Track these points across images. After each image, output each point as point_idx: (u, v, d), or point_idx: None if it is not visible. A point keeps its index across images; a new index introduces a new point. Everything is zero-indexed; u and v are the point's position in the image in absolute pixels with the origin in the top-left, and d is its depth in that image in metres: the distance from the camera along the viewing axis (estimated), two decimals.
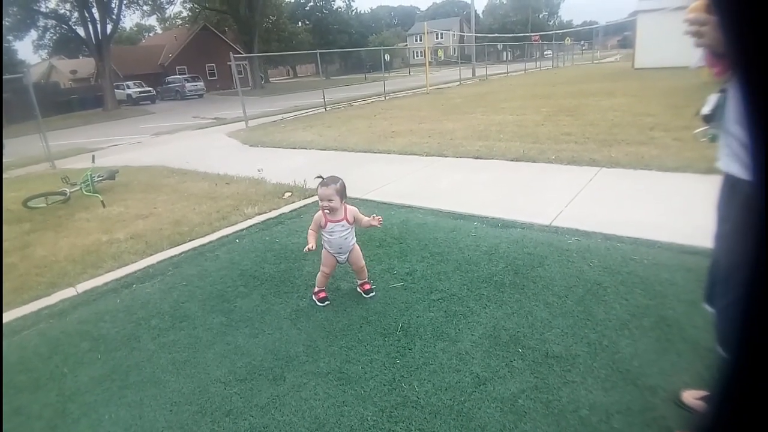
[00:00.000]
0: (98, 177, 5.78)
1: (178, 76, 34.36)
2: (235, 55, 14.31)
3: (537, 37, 40.31)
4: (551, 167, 5.13)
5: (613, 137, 6.16)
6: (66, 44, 37.42)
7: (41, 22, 31.89)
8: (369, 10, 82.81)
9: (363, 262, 2.67)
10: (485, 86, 19.12)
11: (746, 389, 0.41)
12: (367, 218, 2.57)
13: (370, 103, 15.58)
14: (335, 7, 61.03)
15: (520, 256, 3.03)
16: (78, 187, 5.51)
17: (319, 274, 2.65)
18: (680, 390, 1.73)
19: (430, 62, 21.81)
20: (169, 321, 2.62)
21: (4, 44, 30.16)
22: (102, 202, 5.16)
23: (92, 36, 26.85)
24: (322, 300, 2.64)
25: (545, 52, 41.84)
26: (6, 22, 27.38)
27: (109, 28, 27.19)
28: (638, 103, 9.31)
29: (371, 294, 2.68)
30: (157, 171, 6.94)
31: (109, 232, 4.22)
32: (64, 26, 31.32)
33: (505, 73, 27.06)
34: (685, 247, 2.85)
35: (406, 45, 60.25)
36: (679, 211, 3.48)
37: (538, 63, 35.40)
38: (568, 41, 41.86)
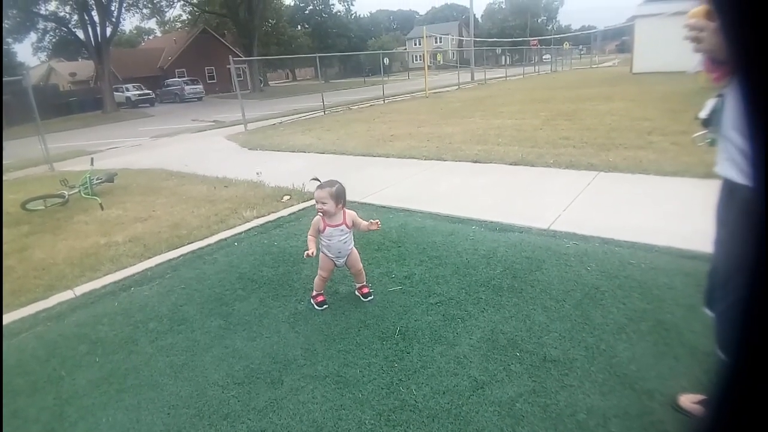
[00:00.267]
0: (97, 180, 5.78)
1: (177, 79, 34.40)
2: (235, 59, 14.32)
3: (535, 42, 40.42)
4: (549, 171, 5.15)
5: (611, 141, 6.18)
6: (65, 47, 37.53)
7: (41, 25, 32.01)
8: (368, 14, 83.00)
9: (361, 265, 2.67)
10: (484, 90, 19.19)
11: (745, 393, 0.41)
12: (365, 222, 2.58)
13: (369, 107, 15.62)
14: (334, 11, 61.24)
15: (518, 260, 3.03)
16: (76, 190, 5.50)
17: (317, 277, 2.65)
18: (678, 394, 1.73)
19: (429, 66, 21.87)
20: (167, 324, 2.62)
21: (4, 46, 30.21)
22: (100, 204, 5.16)
23: (92, 39, 26.90)
24: (320, 303, 2.64)
25: (544, 57, 41.97)
26: (6, 25, 27.39)
27: (108, 30, 27.25)
28: (636, 107, 9.35)
29: (369, 297, 2.68)
30: (156, 174, 6.94)
31: (108, 235, 4.22)
32: (63, 29, 31.39)
33: (503, 77, 27.18)
34: (682, 252, 2.86)
35: (405, 49, 60.34)
36: (677, 215, 3.49)
37: (536, 67, 35.57)
38: (566, 46, 42.00)
